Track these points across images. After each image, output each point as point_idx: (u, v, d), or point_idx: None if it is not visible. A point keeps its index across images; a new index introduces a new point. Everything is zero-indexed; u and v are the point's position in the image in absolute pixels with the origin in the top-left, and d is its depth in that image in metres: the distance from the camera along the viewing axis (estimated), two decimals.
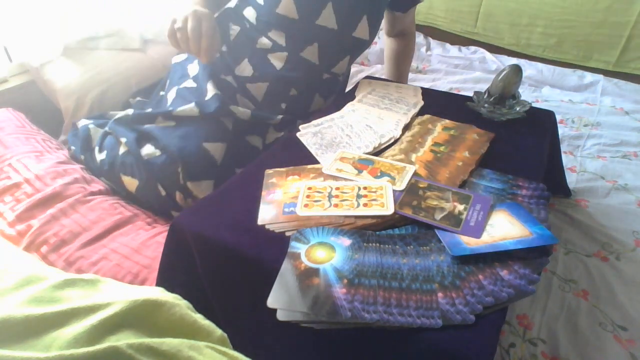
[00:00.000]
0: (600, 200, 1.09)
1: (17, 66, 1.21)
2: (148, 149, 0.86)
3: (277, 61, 0.96)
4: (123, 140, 0.89)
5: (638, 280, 0.87)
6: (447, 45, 2.00)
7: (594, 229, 0.99)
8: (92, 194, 0.87)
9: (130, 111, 0.95)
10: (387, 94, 1.01)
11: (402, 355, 0.50)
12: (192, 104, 0.89)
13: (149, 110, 0.96)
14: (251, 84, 0.97)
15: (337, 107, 0.95)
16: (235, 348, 0.42)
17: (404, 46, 1.28)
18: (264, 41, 0.95)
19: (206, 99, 0.91)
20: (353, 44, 1.00)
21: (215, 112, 0.88)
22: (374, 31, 1.00)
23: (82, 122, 1.00)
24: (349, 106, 0.95)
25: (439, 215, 0.62)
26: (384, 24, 1.24)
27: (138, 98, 1.14)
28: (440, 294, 0.51)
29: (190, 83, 0.97)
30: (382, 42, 1.43)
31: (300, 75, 0.97)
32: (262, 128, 0.96)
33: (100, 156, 0.92)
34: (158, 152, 0.85)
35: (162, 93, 1.06)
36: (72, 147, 0.98)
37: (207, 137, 0.86)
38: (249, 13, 0.96)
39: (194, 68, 1.00)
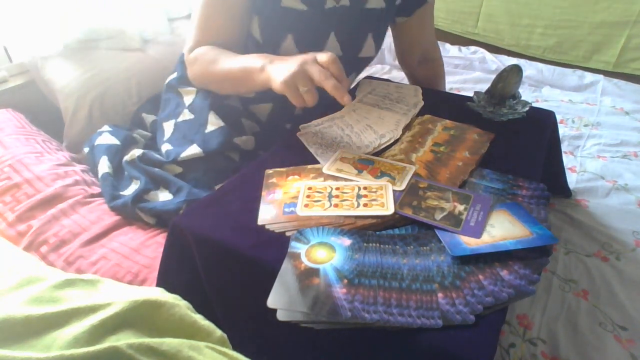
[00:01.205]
0: (600, 200, 1.09)
1: (17, 66, 1.21)
2: (164, 195, 0.83)
3: None
4: (136, 183, 0.86)
5: (638, 280, 0.87)
6: (447, 45, 2.00)
7: (594, 229, 0.99)
8: (92, 195, 0.87)
9: (138, 152, 0.91)
10: (387, 94, 1.00)
11: (402, 355, 0.50)
12: (194, 146, 0.85)
13: (157, 155, 0.91)
14: (255, 105, 0.94)
15: (338, 107, 0.95)
16: (235, 348, 0.42)
17: (431, 75, 1.13)
18: None
19: (207, 131, 0.87)
20: (359, 63, 0.97)
21: (219, 148, 0.85)
22: (379, 45, 0.96)
23: (103, 140, 0.96)
24: (349, 106, 0.95)
25: (439, 215, 0.62)
26: (400, 57, 1.16)
27: (152, 117, 1.08)
28: (440, 294, 0.51)
29: (187, 114, 0.92)
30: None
31: None
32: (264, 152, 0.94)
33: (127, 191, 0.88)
34: (171, 196, 0.83)
35: (158, 118, 0.99)
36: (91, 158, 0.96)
37: (217, 179, 0.83)
38: (249, 48, 0.90)
39: (189, 95, 0.94)
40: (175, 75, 1.00)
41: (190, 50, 0.88)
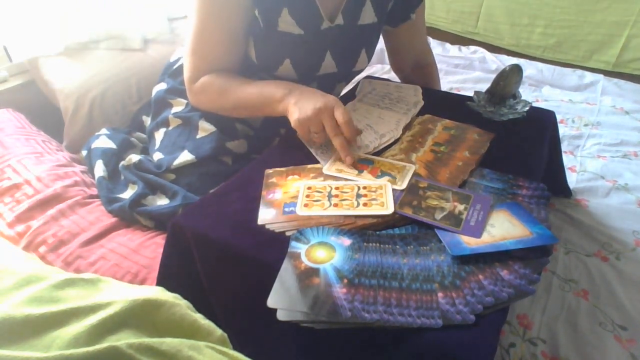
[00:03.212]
0: (600, 200, 1.09)
1: (17, 66, 1.21)
2: (162, 200, 0.84)
3: None
4: (133, 188, 0.86)
5: (638, 280, 0.87)
6: (447, 45, 2.00)
7: (594, 229, 0.99)
8: (92, 197, 0.87)
9: (135, 158, 0.91)
10: (387, 94, 1.00)
11: (402, 355, 0.50)
12: (186, 152, 0.86)
13: (150, 161, 0.91)
14: None
15: None
16: (235, 348, 0.42)
17: (425, 80, 1.13)
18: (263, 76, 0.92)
19: (198, 137, 0.87)
20: (351, 76, 1.01)
21: (211, 153, 0.85)
22: (370, 57, 0.99)
23: (100, 143, 0.96)
24: (349, 106, 0.95)
25: (439, 215, 0.62)
26: (393, 63, 1.17)
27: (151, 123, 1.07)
28: (440, 294, 0.51)
29: (176, 122, 0.92)
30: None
31: None
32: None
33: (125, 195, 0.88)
34: (167, 201, 0.83)
35: (148, 122, 1.00)
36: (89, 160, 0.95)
37: (211, 184, 0.83)
38: (245, 67, 0.90)
39: (179, 105, 0.95)
40: (163, 86, 1.00)
41: (192, 79, 0.87)
